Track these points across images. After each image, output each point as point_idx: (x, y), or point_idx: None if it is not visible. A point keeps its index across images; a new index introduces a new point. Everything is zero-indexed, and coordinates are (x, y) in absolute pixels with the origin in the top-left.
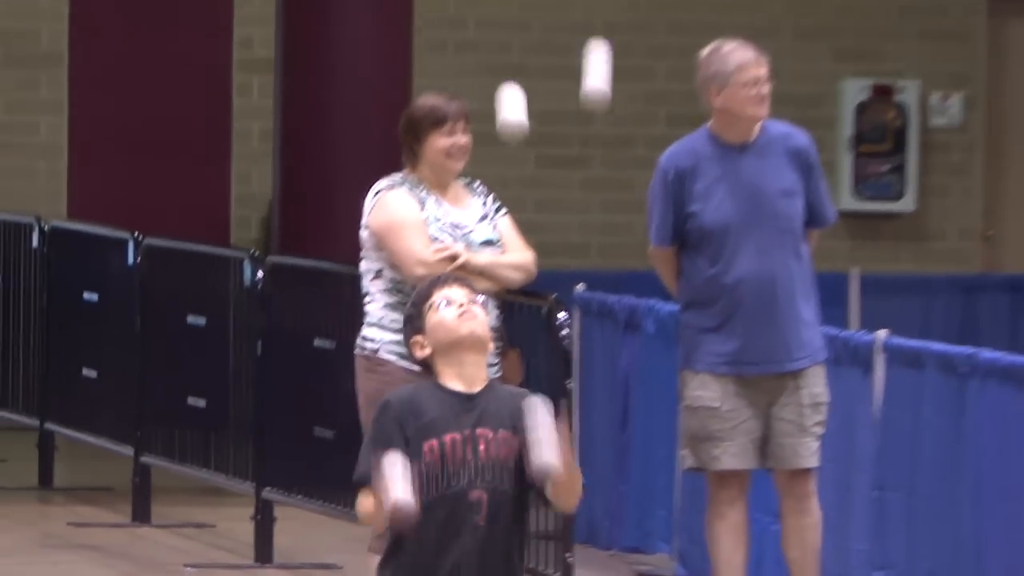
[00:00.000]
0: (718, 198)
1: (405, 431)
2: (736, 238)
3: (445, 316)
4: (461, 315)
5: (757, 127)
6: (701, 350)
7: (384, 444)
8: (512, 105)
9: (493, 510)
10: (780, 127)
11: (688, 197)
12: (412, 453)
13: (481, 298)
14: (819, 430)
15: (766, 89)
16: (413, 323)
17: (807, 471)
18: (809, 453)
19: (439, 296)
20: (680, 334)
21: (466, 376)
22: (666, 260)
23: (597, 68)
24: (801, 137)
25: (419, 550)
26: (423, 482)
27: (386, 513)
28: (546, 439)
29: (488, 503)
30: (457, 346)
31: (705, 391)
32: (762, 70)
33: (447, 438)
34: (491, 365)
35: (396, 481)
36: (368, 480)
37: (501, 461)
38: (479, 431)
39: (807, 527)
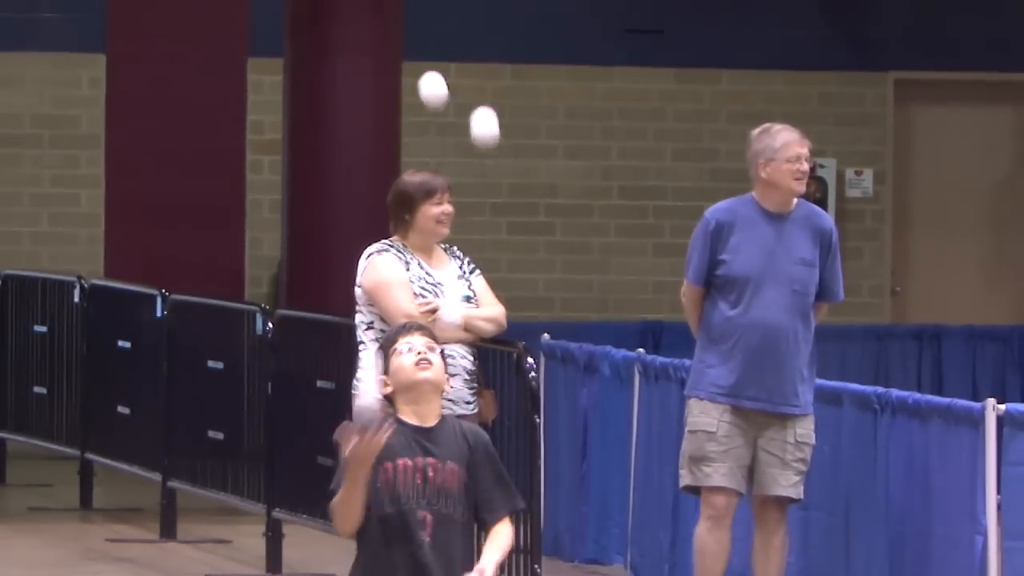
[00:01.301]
0: (747, 253)
1: None
2: (755, 288)
3: (404, 362)
4: (418, 363)
5: (794, 201)
6: (706, 381)
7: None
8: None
9: (438, 529)
10: (812, 207)
11: (722, 247)
12: (372, 472)
13: (438, 347)
14: (801, 466)
15: (806, 167)
16: (380, 364)
17: (779, 501)
18: (788, 484)
19: (402, 343)
20: (693, 367)
21: (420, 412)
22: (695, 299)
23: (485, 119)
24: (828, 220)
25: (375, 558)
26: (379, 497)
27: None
28: None
29: (433, 523)
30: (413, 389)
31: (705, 417)
32: (804, 150)
33: (400, 463)
34: (468, 403)
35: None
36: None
37: (447, 488)
38: (428, 460)
39: (774, 548)
